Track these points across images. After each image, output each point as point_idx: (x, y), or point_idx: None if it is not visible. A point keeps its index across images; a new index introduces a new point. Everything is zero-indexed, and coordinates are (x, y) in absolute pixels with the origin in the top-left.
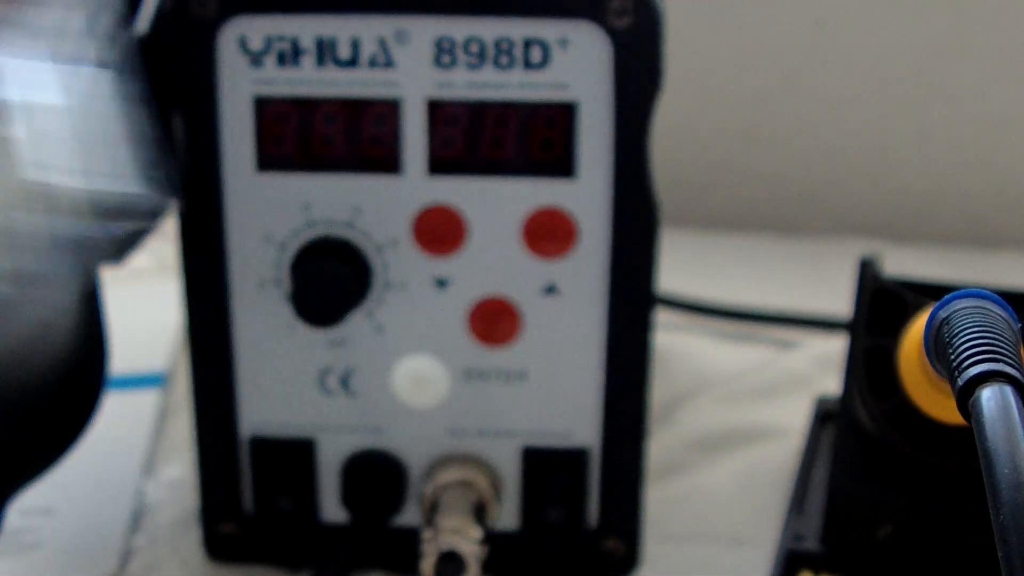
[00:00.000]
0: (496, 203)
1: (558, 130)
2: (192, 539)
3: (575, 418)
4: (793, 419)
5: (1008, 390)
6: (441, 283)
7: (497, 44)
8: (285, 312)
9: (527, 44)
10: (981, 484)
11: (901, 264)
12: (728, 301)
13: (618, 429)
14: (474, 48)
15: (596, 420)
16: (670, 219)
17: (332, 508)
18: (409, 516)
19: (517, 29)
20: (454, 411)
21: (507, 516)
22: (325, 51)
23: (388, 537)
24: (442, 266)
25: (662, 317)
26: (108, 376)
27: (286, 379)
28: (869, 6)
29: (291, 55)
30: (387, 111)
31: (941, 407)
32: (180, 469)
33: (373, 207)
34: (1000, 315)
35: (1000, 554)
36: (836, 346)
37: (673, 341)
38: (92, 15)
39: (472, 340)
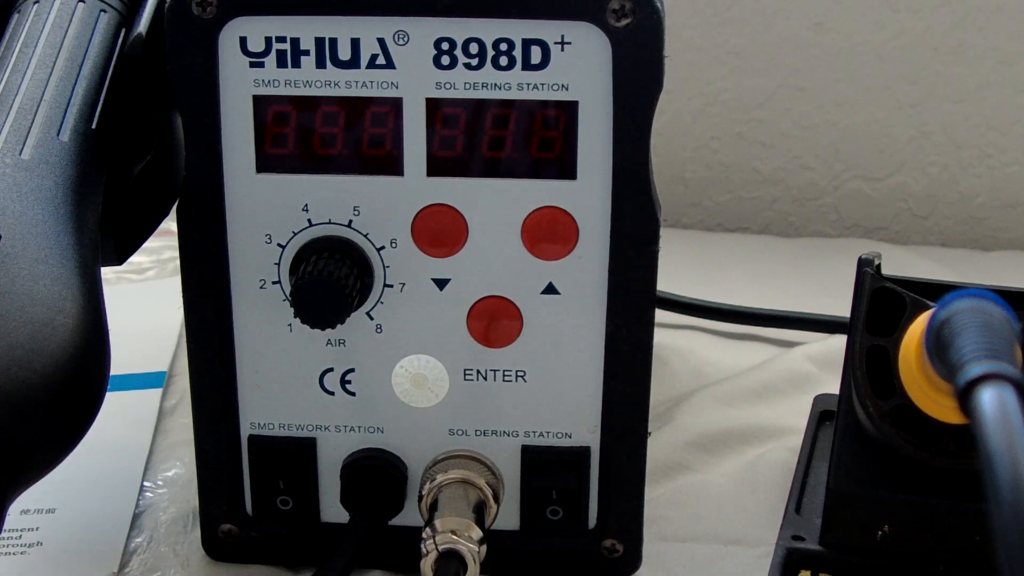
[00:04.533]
0: (496, 203)
1: (558, 130)
2: (192, 539)
3: (575, 418)
4: (793, 419)
5: (1008, 390)
6: (441, 283)
7: (497, 44)
8: (285, 312)
9: (527, 44)
10: (981, 484)
11: (901, 264)
12: (728, 301)
13: (618, 429)
14: (474, 48)
15: (596, 420)
16: (670, 219)
17: (332, 508)
18: (409, 516)
19: (517, 29)
20: (454, 411)
21: (507, 516)
22: (325, 51)
23: (388, 537)
24: (442, 266)
25: (662, 317)
26: (109, 376)
27: (286, 379)
28: (869, 6)
29: (291, 55)
30: (387, 111)
31: (941, 407)
32: (180, 469)
33: (373, 207)
34: (1000, 315)
35: (1000, 554)
36: (836, 346)
37: (673, 341)
38: None
39: (472, 340)
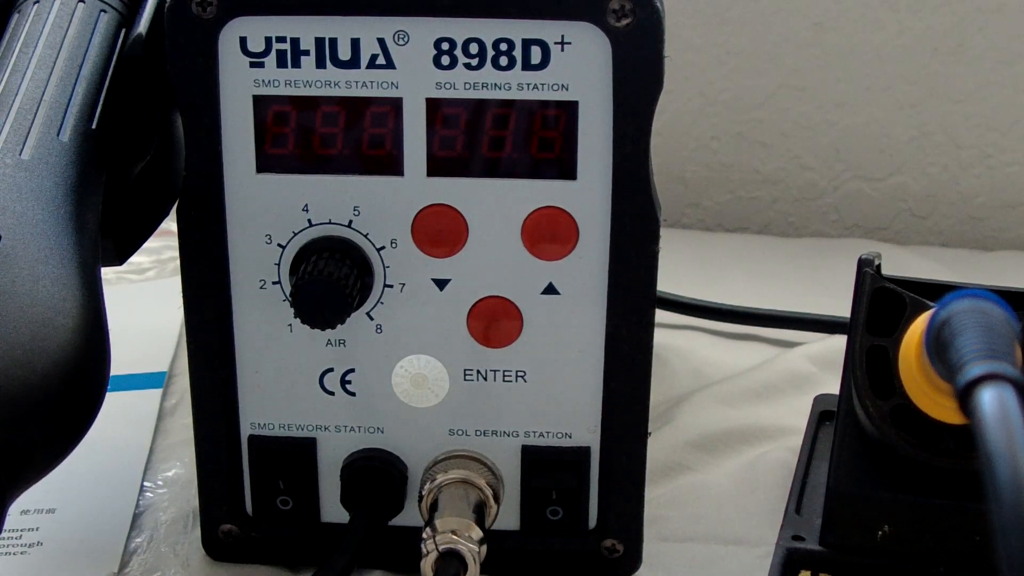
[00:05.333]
0: (496, 203)
1: (558, 130)
2: (192, 539)
3: (575, 418)
4: (793, 419)
5: (1008, 390)
6: (441, 283)
7: (497, 44)
8: (285, 312)
9: (527, 44)
10: (981, 484)
11: (901, 264)
12: (728, 301)
13: (618, 429)
14: (474, 48)
15: (596, 420)
16: (670, 219)
17: (332, 508)
18: (409, 516)
19: (517, 29)
20: (454, 411)
21: (507, 516)
22: (325, 51)
23: (388, 537)
24: (442, 266)
25: (662, 317)
26: (109, 376)
27: (286, 379)
28: (869, 6)
29: (291, 55)
30: (387, 111)
31: (941, 407)
32: (180, 469)
33: (373, 207)
34: (1000, 315)
35: (1000, 554)
36: (836, 346)
37: (673, 341)
38: None
39: (472, 340)
